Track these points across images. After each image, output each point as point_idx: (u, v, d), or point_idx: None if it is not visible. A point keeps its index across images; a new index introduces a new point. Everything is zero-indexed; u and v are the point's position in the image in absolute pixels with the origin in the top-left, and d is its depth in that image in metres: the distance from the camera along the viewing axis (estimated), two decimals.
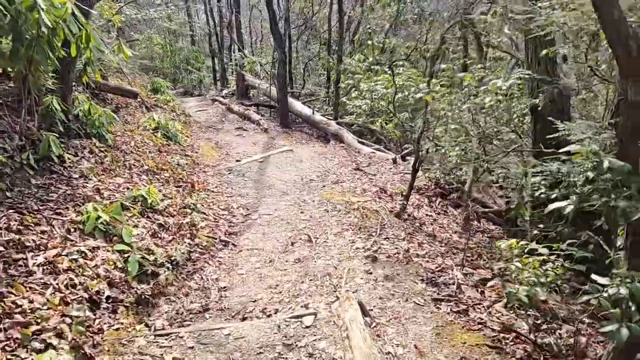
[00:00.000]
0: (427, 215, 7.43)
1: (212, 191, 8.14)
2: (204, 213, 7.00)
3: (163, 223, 5.92)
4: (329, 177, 9.15)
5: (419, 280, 4.98)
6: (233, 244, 6.25)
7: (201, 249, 5.90)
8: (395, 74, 8.42)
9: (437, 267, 5.31)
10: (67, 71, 6.40)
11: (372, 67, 13.95)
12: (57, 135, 5.73)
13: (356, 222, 6.59)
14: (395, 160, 10.17)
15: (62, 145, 5.94)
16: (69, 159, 5.96)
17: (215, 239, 6.28)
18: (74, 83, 7.31)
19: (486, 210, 7.90)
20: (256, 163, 9.90)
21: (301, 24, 20.02)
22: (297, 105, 15.28)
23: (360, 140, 12.77)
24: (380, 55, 14.15)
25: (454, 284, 4.83)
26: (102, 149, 7.26)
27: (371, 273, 5.07)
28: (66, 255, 4.22)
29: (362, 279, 4.94)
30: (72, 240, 4.51)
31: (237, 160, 10.38)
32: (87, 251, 4.44)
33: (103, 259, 4.50)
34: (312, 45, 20.97)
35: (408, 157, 10.47)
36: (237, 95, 19.99)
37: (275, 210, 7.45)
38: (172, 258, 5.27)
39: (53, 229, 4.53)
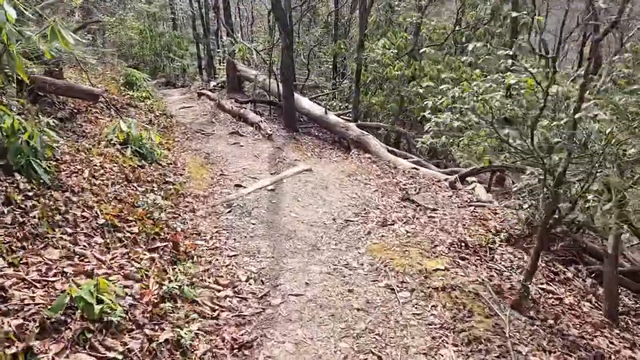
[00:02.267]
0: (545, 291, 4.78)
1: (206, 248, 5.39)
2: (196, 302, 4.27)
3: None
4: (370, 215, 6.44)
5: None
6: None
7: None
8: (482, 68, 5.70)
9: None
10: None
11: (402, 55, 11.22)
12: None
13: (452, 324, 3.91)
14: (455, 184, 7.48)
15: None
16: None
17: None
18: None
19: (623, 270, 5.26)
20: (265, 192, 7.13)
21: (301, 4, 17.07)
22: (304, 102, 12.47)
23: (390, 148, 10.05)
24: (406, 41, 11.37)
25: None
26: (31, 194, 4.53)
27: None
28: None
29: None
30: None
31: (238, 186, 7.60)
32: None
33: None
34: (314, 29, 18.04)
35: (469, 179, 7.79)
36: (228, 88, 17.06)
37: (306, 286, 4.74)
38: None
39: None
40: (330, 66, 17.07)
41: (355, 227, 6.07)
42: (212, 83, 19.04)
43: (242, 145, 10.15)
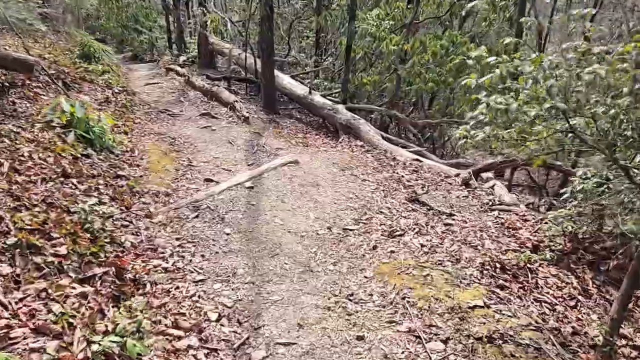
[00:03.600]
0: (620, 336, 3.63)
1: (164, 271, 4.05)
2: None
3: None
4: (374, 222, 5.19)
5: None
6: None
7: None
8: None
9: None
10: None
11: (397, 28, 9.89)
12: None
13: None
14: (469, 181, 6.29)
15: None
16: None
17: None
18: None
19: None
20: (242, 191, 5.78)
21: None
22: (284, 80, 11.05)
23: (385, 135, 8.78)
24: (404, 10, 10.02)
25: None
26: None
27: None
28: None
29: None
30: None
31: (208, 180, 6.24)
32: None
33: None
34: (294, 1, 16.44)
35: (484, 174, 6.60)
36: (200, 63, 15.46)
37: (299, 329, 3.48)
38: None
39: None
40: (311, 42, 15.60)
41: (357, 239, 4.81)
42: (182, 58, 17.32)
43: (214, 129, 8.71)
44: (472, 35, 10.75)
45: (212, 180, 6.27)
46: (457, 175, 6.60)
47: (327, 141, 8.93)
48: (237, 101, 9.93)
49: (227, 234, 4.80)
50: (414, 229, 5.02)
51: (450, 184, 6.44)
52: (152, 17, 20.88)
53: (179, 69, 14.84)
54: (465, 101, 7.90)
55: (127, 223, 4.69)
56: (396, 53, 8.99)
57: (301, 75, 12.10)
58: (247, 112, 9.32)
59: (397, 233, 4.91)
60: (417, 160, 7.30)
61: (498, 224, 5.21)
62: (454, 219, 5.26)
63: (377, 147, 8.12)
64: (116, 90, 10.41)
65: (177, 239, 4.61)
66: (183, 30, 18.22)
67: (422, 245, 4.66)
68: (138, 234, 4.56)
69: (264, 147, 7.77)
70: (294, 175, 6.27)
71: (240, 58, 13.22)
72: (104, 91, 9.96)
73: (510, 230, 5.06)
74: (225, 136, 8.34)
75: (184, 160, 7.07)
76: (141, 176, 6.05)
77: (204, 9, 14.59)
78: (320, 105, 9.75)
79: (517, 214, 5.41)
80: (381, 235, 4.89)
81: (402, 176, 6.68)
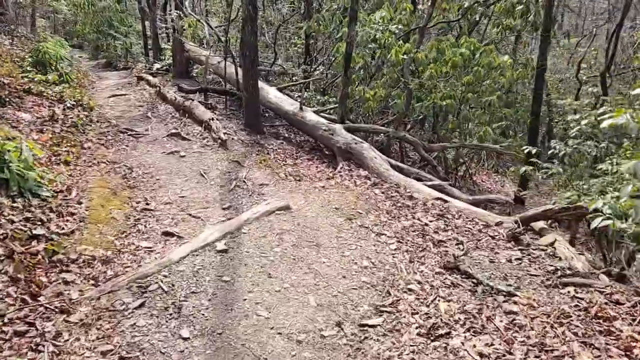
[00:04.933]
0: None
1: None
2: None
3: None
4: (401, 310, 3.56)
5: None
6: None
7: None
8: None
9: None
10: None
11: (404, 34, 8.34)
12: None
13: None
14: (518, 235, 4.70)
15: None
16: None
17: None
18: None
19: None
20: (212, 257, 4.09)
21: None
22: (270, 93, 9.42)
23: (394, 162, 7.18)
24: (412, 13, 8.48)
25: None
26: None
27: None
28: None
29: None
30: None
31: (167, 235, 4.56)
32: None
33: None
34: (280, 3, 14.83)
35: (534, 224, 5.01)
36: (175, 72, 13.76)
37: None
38: None
39: None
40: (300, 49, 14.00)
41: (382, 346, 3.18)
42: (157, 65, 15.60)
43: (182, 156, 7.02)
44: (488, 42, 9.27)
45: (172, 235, 4.59)
46: (499, 224, 5.01)
47: (322, 169, 7.30)
48: (213, 119, 8.25)
49: (185, 340, 3.12)
50: (464, 322, 3.40)
51: (492, 237, 4.84)
52: (127, 21, 19.32)
53: (150, 78, 13.12)
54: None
55: (25, 328, 2.99)
56: (406, 63, 7.43)
57: (290, 87, 10.47)
58: (224, 134, 7.65)
59: (441, 331, 3.29)
60: (441, 199, 5.71)
61: (580, 310, 3.61)
62: (516, 303, 3.65)
63: (385, 179, 6.51)
64: (69, 105, 8.68)
65: (104, 356, 2.91)
66: (158, 36, 16.48)
67: (483, 357, 3.05)
68: (40, 348, 2.87)
69: (244, 181, 6.10)
70: (284, 230, 4.60)
71: (219, 67, 11.55)
72: (52, 106, 8.22)
73: (601, 322, 3.47)
74: (196, 165, 6.65)
75: (139, 201, 5.38)
76: (72, 232, 4.35)
77: (180, 13, 12.86)
78: (313, 124, 8.14)
79: (600, 292, 3.83)
80: (417, 335, 3.27)
81: (426, 224, 5.07)
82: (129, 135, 8.07)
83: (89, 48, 20.94)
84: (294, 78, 12.46)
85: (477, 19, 9.47)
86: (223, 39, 10.93)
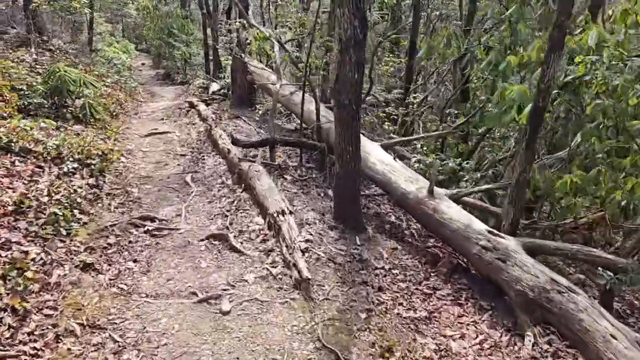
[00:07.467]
0: None
1: None
2: None
3: None
4: None
5: None
6: None
7: None
8: None
9: None
10: None
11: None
12: None
13: None
14: None
15: None
16: None
17: None
18: None
19: None
20: None
21: None
22: (371, 154, 5.90)
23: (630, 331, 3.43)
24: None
25: None
26: None
27: None
28: None
29: None
30: None
31: None
32: None
33: None
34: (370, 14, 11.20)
35: None
36: (234, 99, 10.60)
37: None
38: None
39: None
40: (392, 68, 10.35)
41: None
42: (214, 86, 12.58)
43: (226, 312, 3.63)
44: None
45: None
46: None
47: (487, 334, 3.69)
48: (285, 213, 4.81)
49: None
50: None
51: None
52: (188, 28, 16.74)
53: (202, 107, 10.07)
54: None
55: None
56: None
57: (402, 142, 6.84)
58: (305, 263, 4.16)
59: None
60: None
61: None
62: None
63: None
64: (66, 169, 5.62)
65: None
66: (217, 49, 13.40)
67: None
68: None
69: None
70: None
71: (291, 100, 8.21)
72: (33, 177, 5.16)
73: None
74: (249, 348, 3.25)
75: None
76: None
77: (245, 21, 9.41)
78: (457, 229, 4.55)
79: None
80: None
81: None
82: (144, 232, 4.85)
83: (152, 55, 18.96)
84: (391, 113, 8.84)
85: None
86: (301, 63, 7.57)
